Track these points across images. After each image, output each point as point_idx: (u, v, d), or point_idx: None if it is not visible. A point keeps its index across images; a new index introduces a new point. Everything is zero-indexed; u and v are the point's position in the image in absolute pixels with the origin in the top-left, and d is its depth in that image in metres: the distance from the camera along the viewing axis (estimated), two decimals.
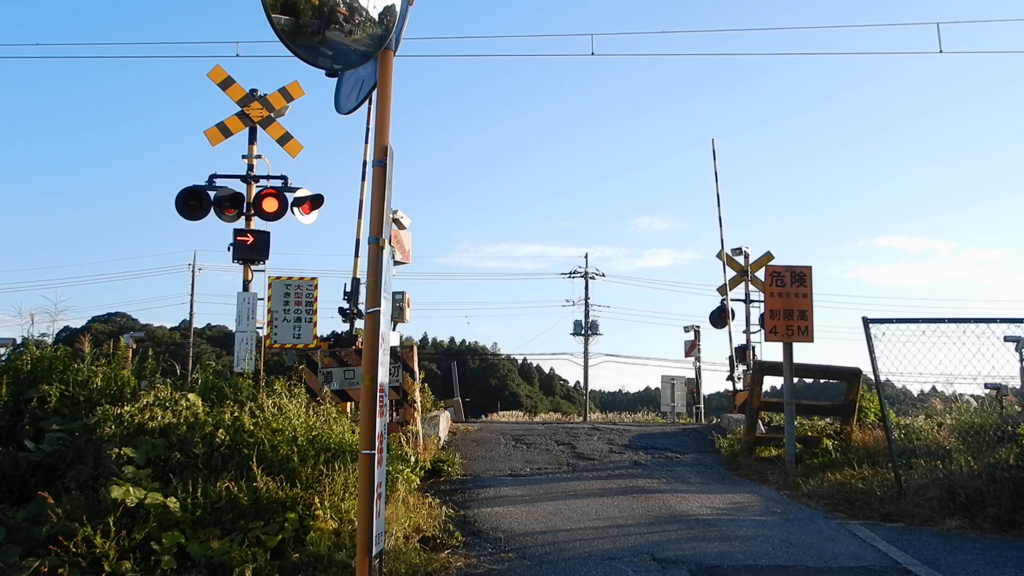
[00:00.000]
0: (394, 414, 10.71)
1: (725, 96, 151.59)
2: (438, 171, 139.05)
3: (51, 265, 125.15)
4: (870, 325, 8.17)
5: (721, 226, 19.63)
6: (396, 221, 12.29)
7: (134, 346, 13.12)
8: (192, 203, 10.93)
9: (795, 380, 10.84)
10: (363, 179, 13.49)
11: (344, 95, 5.22)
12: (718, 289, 19.52)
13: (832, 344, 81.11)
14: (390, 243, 4.69)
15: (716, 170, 19.62)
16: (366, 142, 13.47)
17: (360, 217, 13.21)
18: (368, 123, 12.95)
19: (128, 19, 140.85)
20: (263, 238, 11.19)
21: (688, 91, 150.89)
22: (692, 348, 24.67)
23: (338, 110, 5.23)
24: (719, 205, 19.55)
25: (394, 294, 11.16)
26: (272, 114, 11.66)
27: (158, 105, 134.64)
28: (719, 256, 19.42)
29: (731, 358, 19.67)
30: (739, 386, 19.21)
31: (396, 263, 12.14)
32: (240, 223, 11.34)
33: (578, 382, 65.47)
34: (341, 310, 12.74)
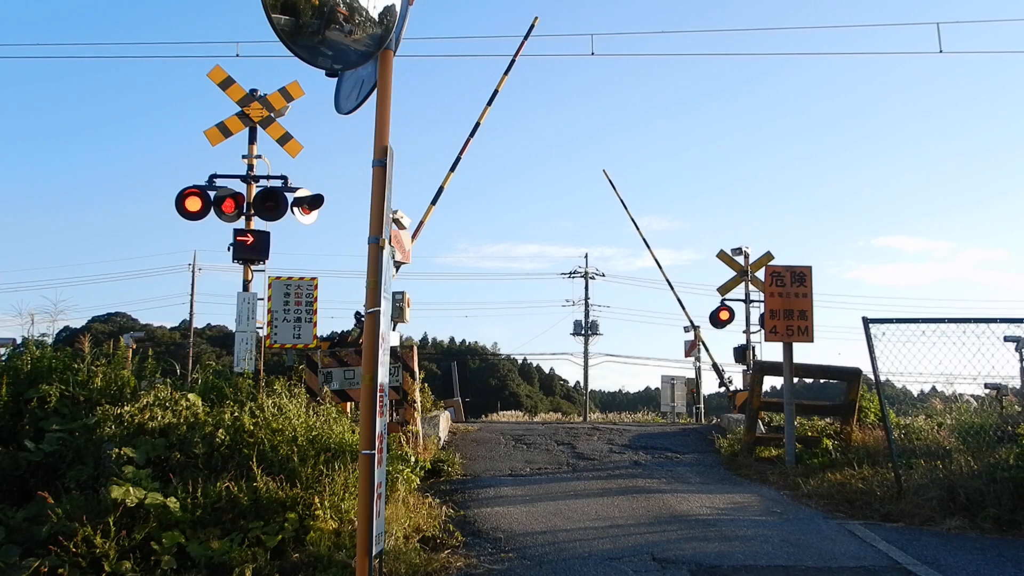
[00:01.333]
0: (394, 414, 10.71)
1: (725, 96, 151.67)
2: (437, 171, 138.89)
3: (51, 265, 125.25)
4: (870, 325, 8.17)
5: (649, 247, 22.39)
6: (396, 221, 12.28)
7: (134, 346, 13.12)
8: (192, 203, 10.91)
9: (795, 380, 10.84)
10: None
11: (344, 95, 5.22)
12: (718, 289, 19.58)
13: (832, 344, 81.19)
14: (390, 243, 4.69)
15: (621, 198, 21.78)
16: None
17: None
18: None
19: (128, 19, 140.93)
20: (263, 238, 11.18)
21: (688, 91, 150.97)
22: (692, 348, 24.62)
23: (338, 110, 5.23)
24: (638, 229, 22.22)
25: (394, 294, 11.15)
26: (272, 114, 11.65)
27: (158, 105, 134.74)
28: (721, 257, 19.52)
29: (715, 365, 20.61)
30: (732, 387, 19.45)
31: (396, 263, 12.14)
32: (240, 223, 11.33)
33: (578, 382, 65.51)
34: (358, 314, 12.69)
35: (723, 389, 19.84)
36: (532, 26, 15.93)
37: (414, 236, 14.12)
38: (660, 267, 22.39)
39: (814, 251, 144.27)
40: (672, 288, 21.19)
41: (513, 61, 15.69)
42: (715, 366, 21.09)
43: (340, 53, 4.71)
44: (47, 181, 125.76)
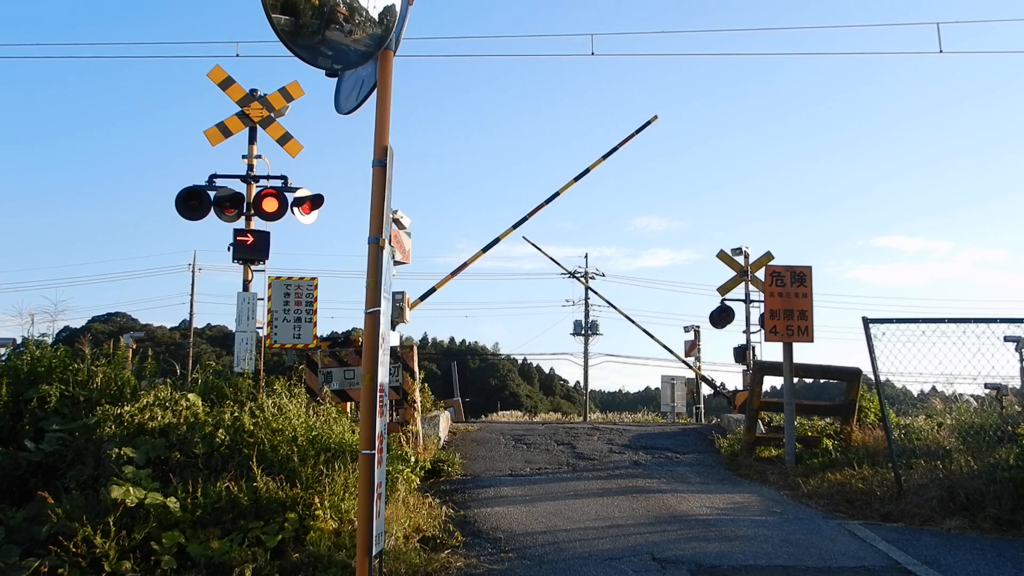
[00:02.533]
0: (394, 414, 10.71)
1: (725, 96, 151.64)
2: (437, 171, 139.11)
3: (51, 265, 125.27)
4: (870, 325, 8.16)
5: (600, 295, 24.24)
6: (396, 221, 12.28)
7: (134, 346, 13.12)
8: (192, 203, 10.90)
9: (795, 380, 10.84)
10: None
11: (344, 95, 5.22)
12: (718, 289, 19.59)
13: (832, 344, 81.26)
14: (390, 243, 4.69)
15: (550, 256, 24.17)
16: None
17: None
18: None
19: (128, 19, 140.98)
20: (263, 238, 11.18)
21: (688, 91, 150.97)
22: (692, 348, 24.65)
23: (338, 110, 5.23)
24: (577, 280, 22.30)
25: (394, 294, 11.15)
26: (272, 114, 11.64)
27: (158, 105, 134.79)
28: (721, 257, 19.55)
29: (704, 379, 21.29)
30: (731, 389, 19.67)
31: (396, 263, 12.14)
32: (240, 223, 11.32)
33: (578, 382, 65.50)
34: None
35: (720, 395, 20.15)
36: (649, 122, 16.31)
37: (458, 271, 14.21)
38: (619, 311, 22.79)
39: (814, 251, 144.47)
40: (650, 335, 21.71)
41: (616, 148, 15.86)
42: (704, 380, 21.59)
43: (340, 53, 4.71)
44: (47, 181, 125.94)
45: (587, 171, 15.38)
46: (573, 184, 15.40)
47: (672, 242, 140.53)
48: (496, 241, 14.81)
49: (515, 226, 15.03)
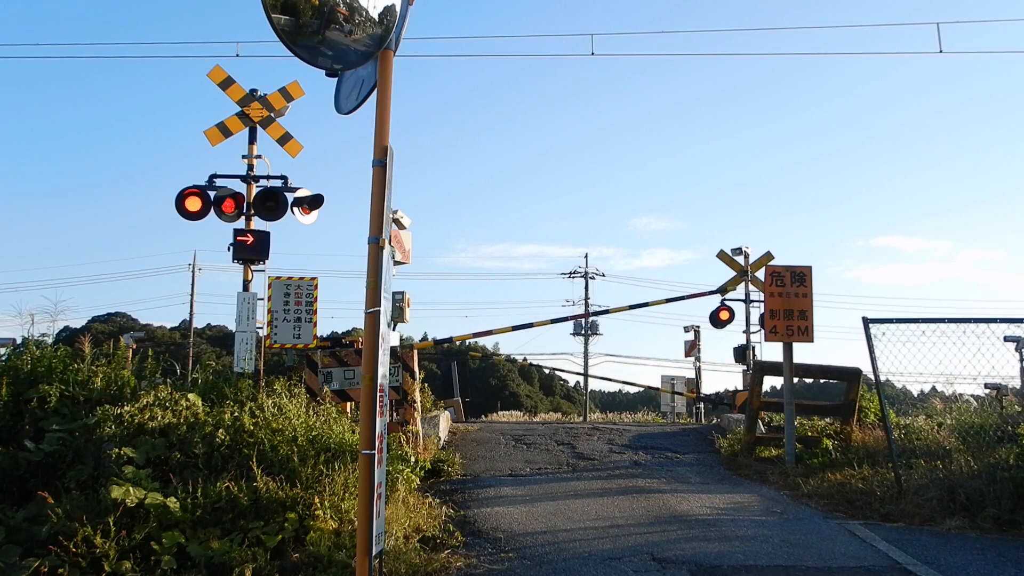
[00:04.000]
0: (394, 414, 10.71)
1: (725, 96, 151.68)
2: (436, 171, 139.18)
3: (51, 265, 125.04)
4: (870, 325, 8.17)
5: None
6: (396, 221, 12.28)
7: (134, 346, 13.12)
8: (192, 203, 10.90)
9: (795, 380, 10.84)
10: None
11: (344, 95, 5.23)
12: (718, 289, 19.58)
13: (832, 344, 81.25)
14: (390, 243, 4.69)
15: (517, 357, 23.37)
16: None
17: None
18: None
19: (128, 19, 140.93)
20: (263, 238, 11.17)
21: (688, 91, 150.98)
22: (692, 348, 24.65)
23: (338, 110, 5.24)
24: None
25: (394, 294, 11.15)
26: (272, 114, 11.64)
27: (158, 105, 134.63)
28: (721, 257, 19.56)
29: (702, 398, 21.95)
30: (732, 389, 19.79)
31: (396, 263, 12.15)
32: (240, 223, 11.32)
33: (578, 382, 65.49)
34: None
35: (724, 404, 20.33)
36: (734, 253, 17.79)
37: (482, 335, 14.67)
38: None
39: (814, 251, 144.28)
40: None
41: (680, 299, 17.73)
42: (704, 399, 21.96)
43: (340, 53, 4.72)
44: (47, 181, 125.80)
45: (646, 304, 16.19)
46: (626, 309, 16.36)
47: (672, 242, 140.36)
48: (529, 325, 15.52)
49: (553, 322, 15.84)
